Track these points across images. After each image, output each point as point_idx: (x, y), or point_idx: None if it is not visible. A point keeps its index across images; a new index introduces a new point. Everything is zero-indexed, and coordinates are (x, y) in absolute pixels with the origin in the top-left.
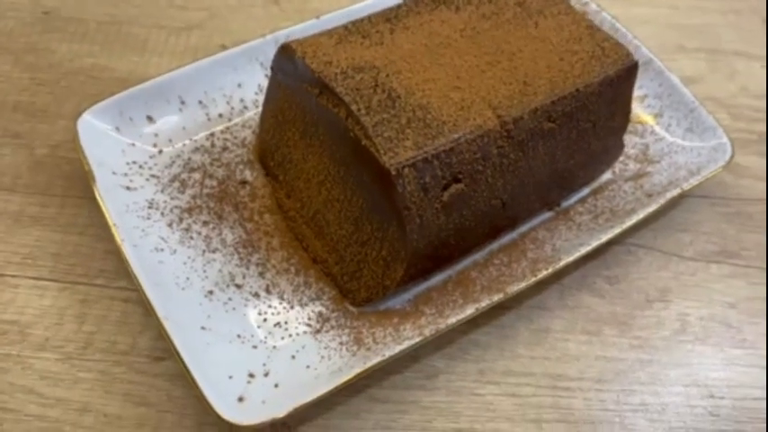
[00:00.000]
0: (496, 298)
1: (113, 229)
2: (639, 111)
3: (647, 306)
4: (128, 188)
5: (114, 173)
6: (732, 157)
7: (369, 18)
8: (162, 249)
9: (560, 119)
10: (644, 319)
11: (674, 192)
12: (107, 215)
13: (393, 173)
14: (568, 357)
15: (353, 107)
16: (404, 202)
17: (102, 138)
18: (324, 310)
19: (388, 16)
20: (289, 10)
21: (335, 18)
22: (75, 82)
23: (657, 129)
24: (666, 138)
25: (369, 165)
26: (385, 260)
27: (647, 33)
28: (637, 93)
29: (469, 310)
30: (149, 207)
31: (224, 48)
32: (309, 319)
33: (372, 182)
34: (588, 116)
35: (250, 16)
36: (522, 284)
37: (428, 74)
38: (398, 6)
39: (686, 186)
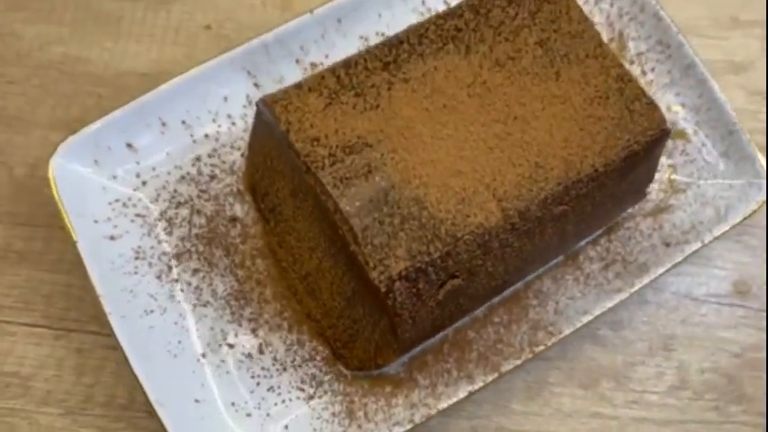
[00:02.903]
0: (490, 378)
1: (101, 300)
2: (674, 123)
3: (648, 356)
4: (112, 237)
5: (96, 221)
6: (767, 197)
7: (365, 61)
8: (152, 311)
9: (574, 201)
10: (644, 371)
11: (693, 246)
12: (94, 285)
13: (383, 289)
14: (561, 414)
15: (342, 204)
16: (395, 310)
17: (80, 179)
18: (317, 372)
19: (387, 59)
20: None
21: (331, 13)
22: (48, 79)
23: (689, 148)
24: (698, 160)
25: (359, 268)
26: (377, 343)
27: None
28: (673, 101)
29: (462, 393)
30: (136, 258)
31: (209, 28)
32: (303, 382)
33: (362, 281)
34: (606, 191)
35: None
36: (518, 361)
37: (427, 152)
38: (400, 43)
39: (707, 240)
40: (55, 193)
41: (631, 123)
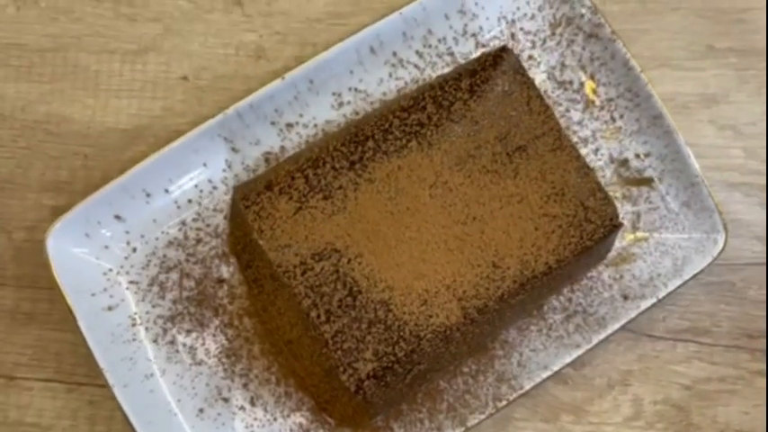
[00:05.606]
0: None
1: (104, 374)
2: (639, 171)
3: (607, 391)
4: (109, 308)
5: (93, 294)
6: (722, 251)
7: (333, 159)
8: (152, 374)
9: (529, 291)
10: (602, 404)
11: (648, 302)
12: (96, 359)
13: (353, 389)
14: None
15: (313, 314)
16: (365, 399)
17: (74, 257)
18: (304, 421)
19: (353, 158)
20: (254, 14)
21: (302, 75)
22: (34, 141)
23: (653, 196)
24: (660, 208)
25: (331, 364)
26: (354, 409)
27: (676, 27)
28: (641, 149)
29: None
30: (133, 324)
31: (185, 80)
32: (292, 430)
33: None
34: (562, 276)
35: (209, 27)
36: (483, 416)
37: (392, 256)
38: (365, 139)
39: (662, 295)
40: (55, 274)
41: (585, 221)
